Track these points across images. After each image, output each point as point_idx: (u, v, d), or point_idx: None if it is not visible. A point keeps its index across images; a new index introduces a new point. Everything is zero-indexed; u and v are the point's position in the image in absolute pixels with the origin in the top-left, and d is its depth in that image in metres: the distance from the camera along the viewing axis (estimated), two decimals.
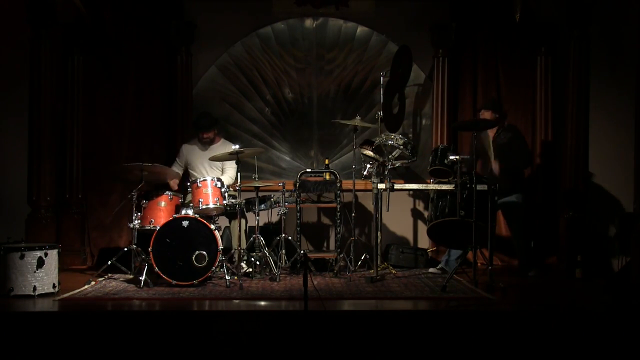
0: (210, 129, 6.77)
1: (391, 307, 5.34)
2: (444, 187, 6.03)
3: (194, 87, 7.56)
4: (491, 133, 6.69)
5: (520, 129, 7.39)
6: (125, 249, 6.25)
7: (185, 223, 5.90)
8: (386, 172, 6.27)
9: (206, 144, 6.82)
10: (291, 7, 7.60)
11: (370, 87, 7.64)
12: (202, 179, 6.18)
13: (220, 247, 5.95)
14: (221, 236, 6.38)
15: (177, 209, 6.19)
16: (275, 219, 7.16)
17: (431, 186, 6.25)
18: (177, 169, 6.88)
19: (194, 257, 5.85)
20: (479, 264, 6.52)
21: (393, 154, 6.30)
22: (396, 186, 6.19)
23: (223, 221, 6.79)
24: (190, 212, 6.07)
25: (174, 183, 6.75)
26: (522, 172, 6.78)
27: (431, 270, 6.65)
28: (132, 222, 6.17)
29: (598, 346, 4.67)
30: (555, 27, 7.31)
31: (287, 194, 6.63)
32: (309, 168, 7.30)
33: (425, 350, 4.68)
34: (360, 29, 7.65)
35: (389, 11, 7.61)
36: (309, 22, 7.69)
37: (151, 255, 5.83)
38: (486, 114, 6.66)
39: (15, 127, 7.21)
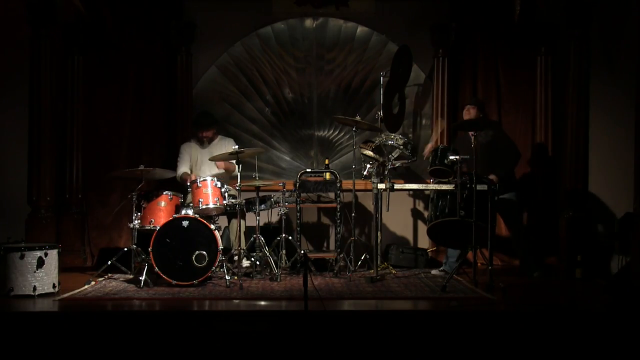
0: (210, 128, 6.78)
1: (391, 307, 5.34)
2: (444, 187, 6.03)
3: (194, 87, 7.57)
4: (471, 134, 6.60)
5: (520, 129, 7.42)
6: (125, 249, 6.25)
7: (185, 223, 5.90)
8: (386, 172, 6.28)
9: (205, 142, 6.82)
10: (291, 7, 7.60)
11: (370, 87, 7.64)
12: (202, 179, 6.19)
13: (220, 247, 5.95)
14: (221, 236, 6.38)
15: (177, 209, 6.19)
16: (275, 219, 7.16)
17: (431, 186, 6.25)
18: (185, 167, 6.84)
19: (194, 257, 5.85)
20: (479, 264, 6.52)
21: (393, 154, 6.30)
22: (396, 186, 6.19)
23: (223, 221, 6.79)
24: (190, 212, 6.07)
25: (194, 175, 6.69)
26: (513, 170, 6.73)
27: (433, 272, 6.64)
28: (132, 222, 6.17)
29: (598, 346, 4.67)
30: (555, 27, 7.31)
31: (287, 194, 6.64)
32: (309, 168, 7.31)
33: (426, 350, 4.68)
34: (360, 29, 7.66)
35: (389, 11, 7.61)
36: (309, 22, 7.69)
37: (151, 255, 5.83)
38: (472, 111, 6.62)
39: (15, 127, 7.21)
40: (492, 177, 6.27)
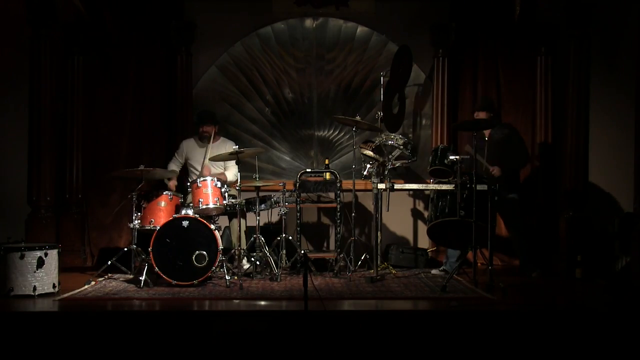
0: (211, 123, 6.77)
1: (391, 307, 5.34)
2: (444, 187, 6.03)
3: (194, 87, 7.57)
4: (486, 132, 6.67)
5: (520, 129, 7.39)
6: (125, 249, 6.25)
7: (185, 223, 5.90)
8: (386, 172, 6.28)
9: (205, 138, 6.79)
10: (291, 7, 7.60)
11: (370, 87, 7.64)
12: (202, 179, 6.18)
13: (220, 247, 5.95)
14: (221, 236, 6.38)
15: (177, 209, 6.19)
16: (275, 219, 7.16)
17: (431, 186, 6.25)
18: (175, 166, 6.87)
19: (194, 257, 5.85)
20: (479, 264, 6.52)
21: (393, 154, 6.30)
22: (396, 186, 6.19)
23: (223, 221, 6.79)
24: (190, 212, 6.07)
25: (172, 184, 6.74)
26: (518, 171, 6.76)
27: (433, 271, 6.64)
28: (132, 222, 6.17)
29: (598, 346, 4.67)
30: (555, 27, 7.31)
31: (287, 194, 6.63)
32: (309, 168, 7.31)
33: (426, 350, 4.68)
34: (360, 29, 7.66)
35: (389, 11, 7.61)
36: (309, 22, 7.69)
37: (151, 255, 5.83)
38: (481, 115, 6.66)
39: (15, 127, 7.21)
40: (494, 169, 6.30)
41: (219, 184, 6.23)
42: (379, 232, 6.28)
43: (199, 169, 6.77)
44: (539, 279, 6.45)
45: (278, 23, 7.65)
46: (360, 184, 6.98)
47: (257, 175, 6.34)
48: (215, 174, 6.60)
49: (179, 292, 5.66)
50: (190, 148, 6.87)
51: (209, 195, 6.14)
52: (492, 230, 5.77)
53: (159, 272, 5.83)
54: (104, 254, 7.13)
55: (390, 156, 6.29)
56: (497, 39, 7.48)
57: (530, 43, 7.40)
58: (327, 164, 7.13)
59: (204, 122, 6.76)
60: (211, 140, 6.76)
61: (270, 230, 7.05)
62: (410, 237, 7.63)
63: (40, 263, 5.50)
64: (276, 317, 4.97)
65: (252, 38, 7.64)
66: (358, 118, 6.64)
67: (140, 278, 5.84)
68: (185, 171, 6.95)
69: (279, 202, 6.55)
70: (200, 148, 6.82)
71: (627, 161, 6.73)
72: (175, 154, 6.93)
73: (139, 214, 6.18)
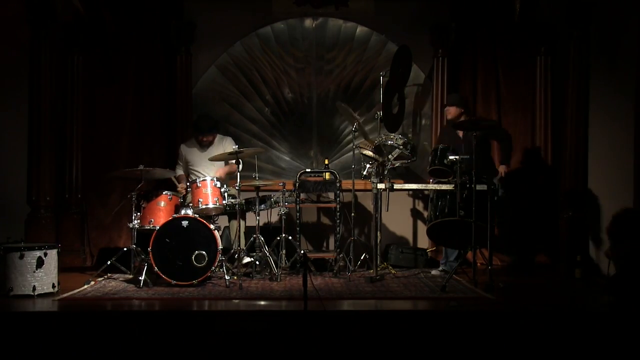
0: (211, 133, 6.76)
1: (391, 307, 5.34)
2: (444, 187, 6.03)
3: (193, 87, 7.57)
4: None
5: (520, 129, 7.43)
6: (125, 249, 6.25)
7: (184, 223, 5.90)
8: (386, 172, 6.28)
9: (205, 146, 6.80)
10: (291, 7, 7.60)
11: (370, 87, 7.64)
12: (201, 179, 6.19)
13: (220, 247, 5.95)
14: (221, 236, 6.38)
15: (177, 209, 6.20)
16: (275, 218, 7.16)
17: (431, 186, 6.25)
18: (182, 170, 6.89)
19: (193, 257, 5.85)
20: (478, 264, 6.52)
21: (392, 153, 6.29)
22: (396, 186, 6.19)
23: (223, 221, 6.79)
24: (189, 212, 6.07)
25: (182, 188, 6.72)
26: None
27: (433, 272, 6.63)
28: (131, 222, 6.17)
29: (598, 346, 4.67)
30: (555, 27, 7.31)
31: (287, 194, 6.63)
32: (308, 168, 7.31)
33: (425, 350, 4.68)
34: (360, 29, 7.66)
35: (389, 11, 7.61)
36: (308, 22, 7.69)
37: (151, 255, 5.83)
38: (451, 110, 6.69)
39: (15, 127, 7.21)
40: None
41: (218, 184, 6.23)
42: (378, 232, 6.28)
43: (201, 171, 6.76)
44: (539, 279, 6.45)
45: (278, 23, 7.65)
46: (359, 184, 6.98)
47: (257, 175, 6.34)
48: (228, 172, 6.67)
49: (178, 292, 5.66)
50: (189, 152, 6.87)
51: (208, 195, 6.14)
52: (491, 230, 5.77)
53: (158, 272, 5.83)
54: (104, 254, 7.12)
55: (389, 156, 6.29)
56: (496, 39, 7.48)
57: (530, 43, 7.40)
58: (327, 164, 7.14)
59: (204, 132, 6.73)
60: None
61: (270, 230, 7.05)
62: (410, 237, 7.63)
63: (40, 263, 5.50)
64: (276, 317, 4.96)
65: (252, 38, 7.64)
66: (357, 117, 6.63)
67: (140, 278, 5.84)
68: (185, 172, 6.95)
69: (278, 202, 6.55)
70: (200, 151, 6.81)
71: (627, 161, 6.72)
72: (178, 160, 6.93)
73: (139, 213, 6.18)
